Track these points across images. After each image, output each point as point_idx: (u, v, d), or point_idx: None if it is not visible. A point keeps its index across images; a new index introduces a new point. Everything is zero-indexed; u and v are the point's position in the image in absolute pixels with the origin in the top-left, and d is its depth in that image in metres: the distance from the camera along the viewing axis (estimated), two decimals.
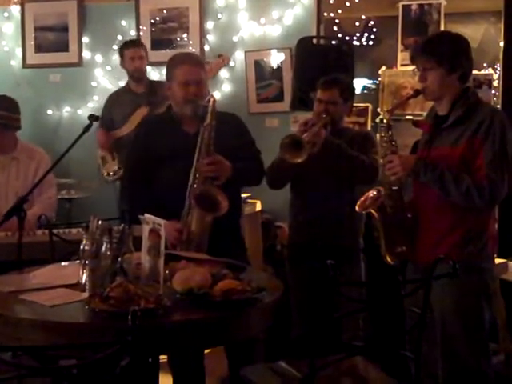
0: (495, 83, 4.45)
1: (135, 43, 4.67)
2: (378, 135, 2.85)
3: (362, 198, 2.80)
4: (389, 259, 2.74)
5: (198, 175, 2.80)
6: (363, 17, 5.36)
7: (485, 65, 4.60)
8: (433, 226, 2.63)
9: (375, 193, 2.75)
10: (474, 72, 3.65)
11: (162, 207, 2.72)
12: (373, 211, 2.73)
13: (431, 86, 2.60)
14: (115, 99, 4.68)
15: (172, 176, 2.90)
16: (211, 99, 2.83)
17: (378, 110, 4.63)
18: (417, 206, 2.72)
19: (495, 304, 2.90)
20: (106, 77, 5.25)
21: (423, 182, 2.60)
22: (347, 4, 5.06)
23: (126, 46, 4.63)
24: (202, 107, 2.84)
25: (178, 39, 5.03)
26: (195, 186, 2.80)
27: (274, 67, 4.86)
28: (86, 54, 5.30)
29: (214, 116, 2.81)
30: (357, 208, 2.81)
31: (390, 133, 2.72)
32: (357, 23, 5.39)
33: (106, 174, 4.63)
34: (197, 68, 2.96)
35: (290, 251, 3.44)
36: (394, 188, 2.71)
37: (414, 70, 2.69)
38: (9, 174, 3.47)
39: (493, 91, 4.45)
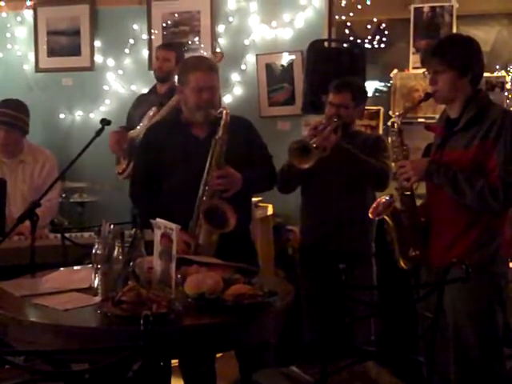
0: (508, 85, 4.43)
1: (166, 45, 4.65)
2: (389, 139, 2.84)
3: (374, 205, 2.77)
4: (402, 264, 2.72)
5: (207, 187, 2.78)
6: (375, 19, 5.35)
7: (497, 67, 4.58)
8: (446, 230, 2.62)
9: (387, 198, 2.73)
10: (487, 74, 3.62)
11: (171, 210, 2.72)
12: (386, 217, 2.71)
13: (442, 89, 2.58)
14: (141, 99, 4.63)
15: (182, 180, 2.89)
16: (224, 111, 2.81)
17: (390, 112, 4.61)
18: (430, 210, 2.70)
19: (509, 308, 2.87)
20: (117, 81, 5.27)
21: (436, 185, 2.59)
22: (359, 7, 5.05)
23: (158, 47, 4.67)
24: (213, 116, 2.83)
25: (190, 43, 5.04)
26: (204, 198, 2.78)
27: (286, 70, 4.86)
28: (98, 58, 5.33)
29: (226, 130, 2.79)
30: (370, 215, 2.77)
31: (400, 137, 2.70)
32: (368, 26, 5.39)
33: (116, 172, 4.64)
34: (210, 74, 2.94)
35: (302, 255, 3.44)
36: (406, 193, 2.69)
37: (424, 72, 2.67)
38: (16, 177, 3.48)
39: (505, 93, 4.43)
